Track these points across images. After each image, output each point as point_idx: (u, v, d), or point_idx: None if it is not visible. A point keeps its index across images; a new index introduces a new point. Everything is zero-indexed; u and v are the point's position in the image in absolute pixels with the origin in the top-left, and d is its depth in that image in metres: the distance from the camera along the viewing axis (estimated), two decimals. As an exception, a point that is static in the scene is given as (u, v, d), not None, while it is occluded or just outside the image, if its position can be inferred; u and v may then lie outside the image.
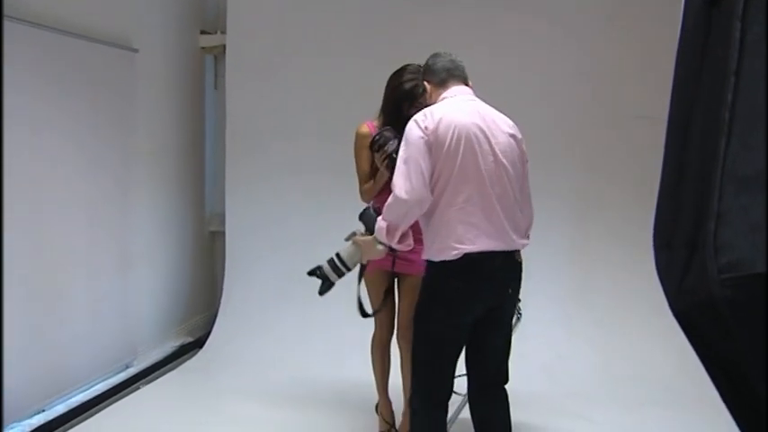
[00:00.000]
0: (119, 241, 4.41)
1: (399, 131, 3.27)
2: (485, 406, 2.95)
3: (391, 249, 2.78)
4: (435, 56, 2.93)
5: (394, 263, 3.22)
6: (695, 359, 3.67)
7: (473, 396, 2.97)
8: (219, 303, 5.31)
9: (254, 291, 5.17)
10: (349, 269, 2.86)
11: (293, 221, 5.17)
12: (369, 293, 3.55)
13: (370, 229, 2.80)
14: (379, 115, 3.50)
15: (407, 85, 3.30)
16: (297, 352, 4.80)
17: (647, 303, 4.63)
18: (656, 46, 4.66)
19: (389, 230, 2.66)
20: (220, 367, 4.71)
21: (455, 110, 2.72)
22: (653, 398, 4.22)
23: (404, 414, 3.59)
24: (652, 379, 4.37)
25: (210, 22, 5.51)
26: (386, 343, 3.62)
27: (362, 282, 3.07)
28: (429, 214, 2.68)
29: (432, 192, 2.64)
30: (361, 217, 2.88)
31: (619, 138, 4.79)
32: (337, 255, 2.86)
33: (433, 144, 2.63)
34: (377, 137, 3.30)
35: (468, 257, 2.63)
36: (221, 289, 5.37)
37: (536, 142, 4.79)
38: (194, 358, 4.89)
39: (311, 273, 2.89)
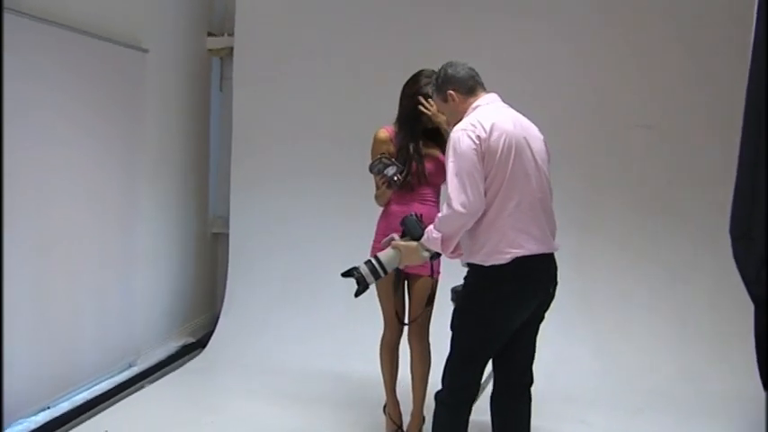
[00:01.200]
0: (123, 240, 4.43)
1: (415, 139, 3.44)
2: (510, 407, 2.97)
3: (432, 256, 2.84)
4: (452, 65, 2.95)
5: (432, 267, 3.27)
6: (695, 366, 3.73)
7: (499, 396, 2.98)
8: (222, 304, 5.33)
9: (256, 292, 5.19)
10: (386, 273, 2.89)
11: (297, 224, 5.20)
12: (378, 294, 3.58)
13: (411, 235, 2.87)
14: (395, 123, 3.55)
15: (425, 89, 3.36)
16: (299, 353, 4.82)
17: (647, 311, 4.71)
18: (655, 55, 4.77)
19: (444, 242, 2.72)
20: (223, 368, 4.73)
21: (500, 117, 2.78)
22: (652, 404, 4.25)
23: (412, 415, 3.62)
24: (652, 385, 4.40)
25: (217, 24, 5.55)
26: (395, 343, 3.65)
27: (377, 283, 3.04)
28: (478, 220, 2.72)
29: None
30: (403, 222, 2.92)
31: (618, 147, 4.83)
32: (376, 258, 2.88)
33: (486, 153, 2.69)
34: (374, 164, 3.45)
35: (518, 261, 2.71)
36: (224, 290, 5.39)
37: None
38: (197, 358, 4.91)
39: (347, 274, 2.88)
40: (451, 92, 2.90)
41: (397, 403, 3.70)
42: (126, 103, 4.34)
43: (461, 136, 2.69)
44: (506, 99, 4.72)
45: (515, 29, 4.88)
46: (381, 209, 3.69)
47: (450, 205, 2.65)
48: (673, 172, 4.74)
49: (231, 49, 5.38)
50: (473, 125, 2.71)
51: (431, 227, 2.75)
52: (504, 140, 2.71)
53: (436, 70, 3.35)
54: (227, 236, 5.44)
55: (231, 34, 5.34)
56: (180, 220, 5.26)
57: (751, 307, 4.57)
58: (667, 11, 4.71)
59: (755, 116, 4.42)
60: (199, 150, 5.50)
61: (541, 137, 2.93)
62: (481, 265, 2.73)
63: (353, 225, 4.95)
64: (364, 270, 2.85)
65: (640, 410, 4.19)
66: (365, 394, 4.16)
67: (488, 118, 2.74)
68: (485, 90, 2.94)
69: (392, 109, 3.66)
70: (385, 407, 3.74)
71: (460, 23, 4.93)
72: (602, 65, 4.81)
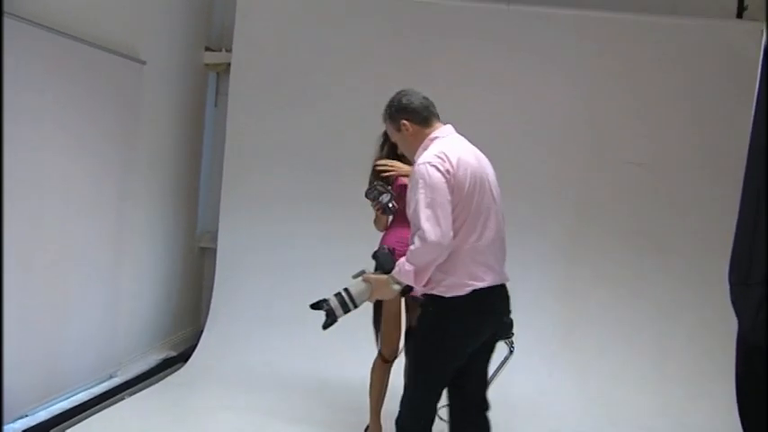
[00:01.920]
0: (110, 251, 4.41)
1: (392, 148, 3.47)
2: None
3: (404, 290, 2.81)
4: (406, 94, 2.95)
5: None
6: (676, 401, 3.76)
7: (457, 424, 2.99)
8: (205, 319, 5.30)
9: (241, 309, 5.17)
10: (356, 306, 2.85)
11: (285, 244, 5.20)
12: (386, 318, 3.61)
13: (383, 269, 2.83)
14: (382, 143, 3.61)
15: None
16: (282, 371, 4.80)
17: (628, 345, 4.75)
18: (647, 93, 4.84)
19: (417, 275, 2.69)
20: (204, 383, 4.69)
21: (463, 152, 2.81)
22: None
23: None
24: (633, 420, 4.42)
25: (215, 39, 5.58)
26: (390, 366, 3.67)
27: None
28: None
29: None
30: (375, 256, 2.90)
31: (608, 182, 4.90)
32: (346, 290, 2.82)
33: (455, 186, 2.70)
34: (370, 190, 3.52)
35: (476, 293, 2.75)
36: (208, 305, 5.36)
37: (527, 183, 4.92)
38: (178, 372, 4.87)
39: (315, 306, 2.83)
40: (405, 122, 2.90)
41: (380, 428, 3.69)
42: (121, 114, 4.34)
43: (430, 168, 2.68)
44: (501, 131, 4.85)
45: (511, 61, 4.96)
46: (380, 234, 3.74)
47: (423, 238, 2.63)
48: (659, 208, 4.80)
49: (228, 64, 5.40)
50: (440, 158, 2.71)
51: (402, 260, 2.72)
52: (470, 175, 2.75)
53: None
54: (214, 251, 5.43)
55: (229, 50, 5.36)
56: (168, 233, 5.25)
57: (732, 345, 4.61)
58: (664, 50, 4.79)
59: (756, 167, 4.47)
60: (191, 164, 5.50)
61: (491, 169, 2.95)
62: (441, 297, 2.75)
63: (344, 250, 4.93)
64: (334, 303, 2.79)
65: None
66: (347, 415, 4.14)
67: (453, 151, 2.76)
68: (440, 121, 2.94)
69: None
70: (366, 429, 3.72)
71: (459, 52, 4.99)
72: (597, 100, 4.90)
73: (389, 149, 3.57)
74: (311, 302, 2.82)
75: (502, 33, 4.96)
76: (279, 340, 5.02)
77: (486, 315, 2.84)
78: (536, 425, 4.37)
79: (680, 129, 4.78)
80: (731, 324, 4.63)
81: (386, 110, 2.98)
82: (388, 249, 2.92)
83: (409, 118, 2.89)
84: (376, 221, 3.76)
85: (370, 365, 3.75)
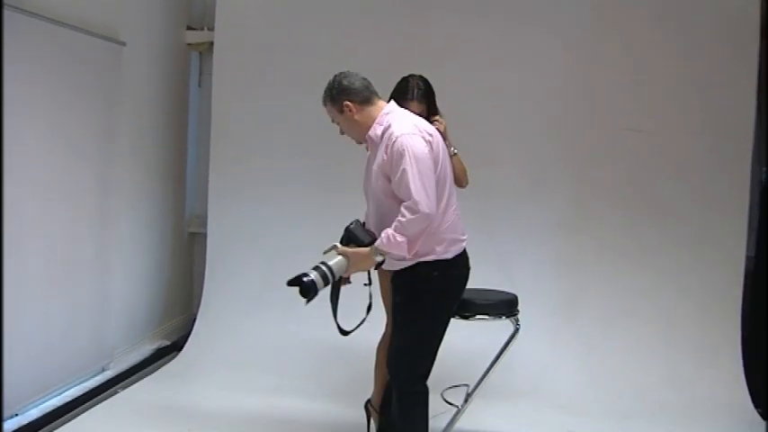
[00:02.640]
0: (96, 240, 4.26)
1: None
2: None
3: (378, 264, 2.86)
4: (347, 75, 3.01)
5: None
6: (683, 373, 3.67)
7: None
8: (198, 307, 5.18)
9: (234, 295, 5.04)
10: (335, 279, 2.86)
11: (276, 227, 5.05)
12: (381, 293, 3.47)
13: (357, 242, 2.86)
14: None
15: (396, 93, 3.40)
16: (278, 357, 4.69)
17: (633, 316, 4.64)
18: (646, 59, 4.70)
19: (410, 245, 2.77)
20: (198, 372, 4.58)
21: (423, 122, 2.99)
22: (640, 411, 4.19)
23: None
24: (639, 392, 4.33)
25: (197, 17, 5.40)
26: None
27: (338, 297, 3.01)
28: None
29: None
30: (349, 230, 2.91)
31: (607, 150, 4.74)
32: (324, 263, 2.83)
33: (435, 156, 2.86)
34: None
35: (464, 249, 3.05)
36: (200, 292, 5.24)
37: (525, 152, 4.81)
38: (173, 362, 4.75)
39: (294, 282, 2.79)
40: (348, 102, 2.96)
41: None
42: (102, 98, 4.17)
43: (413, 140, 2.78)
44: (498, 102, 4.73)
45: (505, 31, 4.79)
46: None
47: (414, 208, 2.72)
48: (661, 175, 4.66)
49: (211, 43, 5.23)
50: (419, 129, 2.86)
51: (389, 231, 2.75)
52: (440, 144, 2.95)
53: (422, 75, 3.45)
54: (204, 236, 5.28)
55: (211, 28, 5.18)
56: (156, 219, 5.10)
57: (738, 311, 4.53)
58: (659, 15, 4.64)
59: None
60: (176, 147, 5.34)
61: None
62: (443, 259, 2.91)
63: (338, 232, 4.83)
64: (315, 276, 2.77)
65: (628, 418, 4.12)
66: (345, 398, 4.04)
67: (422, 123, 2.95)
68: (380, 99, 3.04)
69: None
70: (368, 402, 3.58)
71: (451, 25, 4.82)
72: (592, 67, 4.73)
73: None
74: (288, 280, 2.80)
75: (497, 3, 4.80)
76: (273, 324, 4.90)
77: (468, 268, 3.09)
78: (542, 401, 4.28)
79: (680, 93, 4.63)
80: (737, 290, 4.54)
81: (326, 93, 3.03)
82: (360, 222, 2.96)
83: (351, 99, 2.96)
84: None
85: (367, 346, 3.60)
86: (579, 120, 4.76)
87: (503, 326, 3.45)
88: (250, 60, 5.05)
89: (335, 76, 3.01)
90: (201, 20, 5.37)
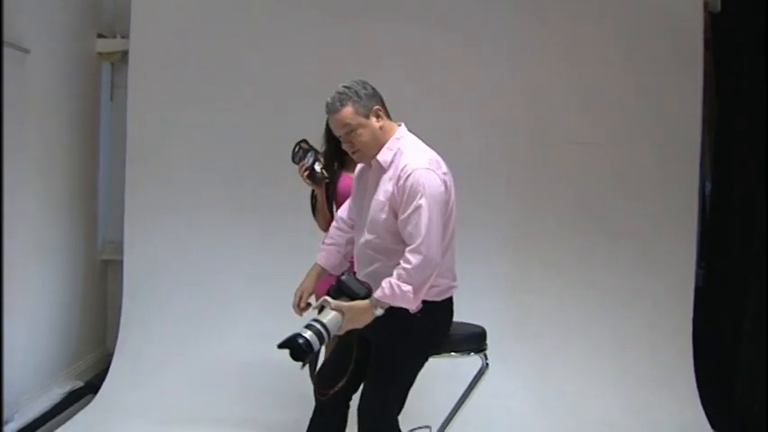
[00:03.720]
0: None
1: (337, 150, 3.20)
2: None
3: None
4: (366, 83, 2.69)
5: None
6: (639, 398, 3.47)
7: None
8: (113, 342, 4.70)
9: (154, 328, 4.57)
10: (330, 338, 2.52)
11: (202, 252, 4.63)
12: None
13: (351, 296, 2.55)
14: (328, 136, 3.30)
15: None
16: (207, 398, 4.26)
17: (585, 341, 4.47)
18: (591, 70, 4.55)
19: (416, 294, 2.51)
20: (119, 418, 4.09)
21: (435, 155, 2.69)
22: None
23: None
24: (597, 421, 4.13)
25: (108, 24, 4.92)
26: None
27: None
28: None
29: None
30: (342, 283, 2.57)
31: (552, 164, 4.57)
32: (319, 321, 2.47)
33: (449, 198, 2.62)
34: (296, 149, 3.30)
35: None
36: (114, 325, 4.76)
37: (470, 171, 4.52)
38: (89, 407, 4.23)
39: (286, 345, 2.43)
40: (379, 108, 2.65)
41: None
42: (4, 111, 3.64)
43: (429, 177, 2.52)
44: (434, 117, 4.43)
45: (446, 44, 4.53)
46: (312, 239, 3.32)
47: (424, 253, 2.47)
48: (609, 190, 4.51)
49: (124, 53, 4.77)
50: (437, 163, 2.61)
51: (393, 281, 2.49)
52: (452, 183, 2.68)
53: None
54: (117, 263, 4.84)
55: (124, 36, 4.73)
56: (63, 246, 4.57)
57: (690, 327, 4.41)
58: (605, 27, 4.50)
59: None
60: (86, 167, 4.83)
61: None
62: (433, 301, 2.65)
63: (269, 258, 4.53)
64: (310, 336, 2.42)
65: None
66: (288, 423, 3.77)
67: (435, 156, 2.66)
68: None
69: (314, 122, 3.31)
70: None
71: (388, 36, 4.53)
72: (537, 80, 4.54)
73: (335, 145, 3.19)
74: (278, 343, 2.43)
75: (433, 11, 4.54)
76: (202, 360, 4.48)
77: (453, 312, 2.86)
78: (492, 428, 4.03)
79: (626, 104, 4.49)
80: (688, 306, 4.41)
81: (349, 94, 2.61)
82: (351, 272, 2.64)
83: (380, 108, 2.65)
84: (316, 215, 3.43)
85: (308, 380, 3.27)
86: (523, 134, 4.56)
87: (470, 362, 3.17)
88: (170, 71, 4.62)
89: (356, 80, 2.66)
90: (113, 27, 4.90)
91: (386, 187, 2.59)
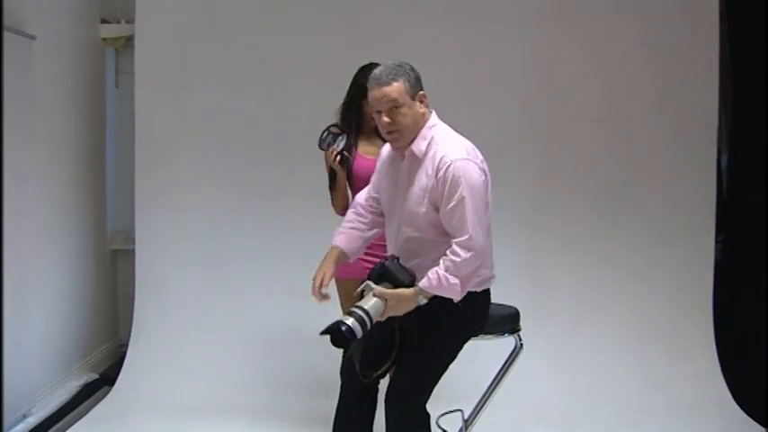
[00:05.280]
0: (5, 265, 3.63)
1: (355, 128, 3.26)
2: None
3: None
4: (414, 67, 2.60)
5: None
6: (659, 373, 3.45)
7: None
8: (125, 332, 4.66)
9: (169, 317, 4.50)
10: (372, 324, 2.47)
11: (213, 239, 4.55)
12: (343, 305, 3.20)
13: (394, 282, 2.50)
14: (339, 110, 3.34)
15: (359, 81, 3.17)
16: (225, 386, 4.21)
17: (603, 317, 4.43)
18: (606, 47, 4.48)
19: (463, 287, 2.46)
20: (138, 409, 4.06)
21: (471, 144, 2.63)
22: (616, 417, 3.97)
23: None
24: (616, 397, 4.11)
25: (111, 9, 4.82)
26: None
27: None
28: None
29: None
30: (385, 269, 2.51)
31: (570, 142, 4.50)
32: (361, 308, 2.43)
33: (487, 186, 2.56)
34: (324, 134, 3.25)
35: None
36: (126, 315, 4.72)
37: (484, 149, 4.46)
38: (106, 399, 4.17)
39: (329, 331, 2.40)
40: (424, 94, 2.57)
41: None
42: (8, 99, 3.55)
43: (469, 167, 2.46)
44: (450, 98, 4.30)
45: (461, 22, 4.45)
46: (327, 224, 3.21)
47: (470, 246, 2.42)
48: (625, 167, 4.46)
49: (128, 38, 4.70)
50: (474, 152, 2.56)
51: (440, 272, 2.43)
52: (488, 168, 2.61)
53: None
54: (127, 252, 4.79)
55: (129, 21, 4.64)
56: (73, 238, 4.50)
57: (710, 304, 4.38)
58: (619, 3, 4.43)
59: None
60: (93, 155, 4.74)
61: None
62: (475, 292, 2.59)
63: (283, 243, 4.46)
64: (353, 323, 2.38)
65: (605, 425, 3.92)
66: (306, 414, 3.79)
67: (471, 145, 2.59)
68: None
69: (325, 105, 3.33)
70: None
71: (397, 17, 4.45)
72: (551, 57, 4.46)
73: (357, 125, 3.21)
74: (321, 330, 2.40)
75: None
76: (217, 348, 4.42)
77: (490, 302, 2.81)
78: (517, 411, 3.98)
79: (642, 80, 4.42)
80: (708, 281, 4.39)
81: (402, 71, 2.51)
82: (395, 258, 2.56)
83: (425, 93, 2.57)
84: (334, 202, 3.37)
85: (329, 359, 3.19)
86: (539, 112, 4.49)
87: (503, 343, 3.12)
88: (176, 56, 4.52)
89: (404, 62, 2.56)
90: (116, 12, 4.80)
91: (422, 180, 2.52)
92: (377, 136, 3.22)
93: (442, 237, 2.50)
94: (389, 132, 2.54)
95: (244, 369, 4.33)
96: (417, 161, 2.54)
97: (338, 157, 3.19)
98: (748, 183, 4.42)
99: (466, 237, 2.41)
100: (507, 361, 3.13)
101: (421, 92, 2.53)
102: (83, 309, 4.59)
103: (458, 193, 2.41)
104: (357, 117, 3.27)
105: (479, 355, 3.35)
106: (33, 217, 3.88)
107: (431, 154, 2.50)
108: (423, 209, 2.51)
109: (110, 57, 4.88)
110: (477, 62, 4.47)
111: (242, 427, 3.84)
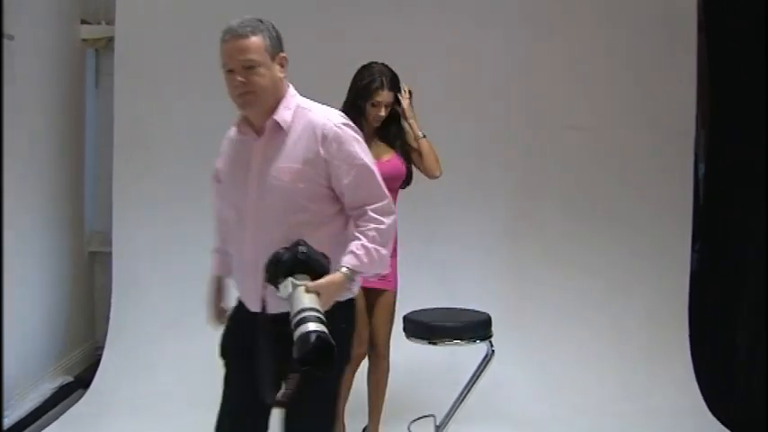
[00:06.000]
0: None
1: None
2: None
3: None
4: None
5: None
6: (638, 385, 3.45)
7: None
8: (101, 334, 4.62)
9: (147, 319, 4.47)
10: None
11: (191, 243, 4.46)
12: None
13: (319, 271, 2.02)
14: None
15: (361, 83, 3.20)
16: (205, 388, 4.14)
17: (581, 326, 4.44)
18: (585, 54, 4.51)
19: (387, 258, 2.16)
20: (113, 412, 4.01)
21: None
22: (593, 426, 3.96)
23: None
24: (595, 409, 4.10)
25: (92, 11, 4.80)
26: (360, 360, 3.35)
27: None
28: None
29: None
30: (310, 261, 2.01)
31: (547, 150, 4.54)
32: (310, 309, 1.91)
33: None
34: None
35: None
36: (103, 318, 4.67)
37: (465, 157, 4.48)
38: (81, 402, 4.15)
39: (310, 352, 1.84)
40: (285, 57, 2.18)
41: (343, 426, 3.40)
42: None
43: (355, 130, 2.18)
44: (429, 101, 4.33)
45: (441, 27, 4.48)
46: None
47: (392, 211, 2.17)
48: (604, 175, 4.50)
49: (109, 39, 4.68)
50: (347, 118, 2.24)
51: (367, 244, 2.06)
52: None
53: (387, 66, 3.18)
54: (106, 254, 4.72)
55: (109, 22, 4.63)
56: (50, 238, 4.46)
57: (686, 313, 4.41)
58: (598, 10, 4.46)
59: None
60: (72, 156, 4.71)
61: None
62: (349, 298, 2.21)
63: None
64: (318, 326, 1.87)
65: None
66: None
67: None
68: None
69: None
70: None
71: (383, 20, 4.46)
72: (532, 64, 4.50)
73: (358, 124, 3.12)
74: (299, 360, 1.85)
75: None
76: (195, 350, 4.35)
77: None
78: (495, 422, 3.99)
79: (620, 88, 4.46)
80: (684, 291, 4.42)
81: (265, 27, 2.15)
82: (303, 242, 2.05)
83: (286, 57, 2.19)
84: None
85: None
86: (519, 119, 4.52)
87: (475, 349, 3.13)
88: (156, 57, 4.51)
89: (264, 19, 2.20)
90: (97, 13, 4.79)
91: (296, 153, 2.12)
92: (378, 138, 3.23)
93: (326, 213, 2.16)
94: (242, 95, 2.11)
95: (220, 372, 4.30)
96: (282, 134, 2.14)
97: None
98: (725, 192, 4.46)
99: (385, 201, 2.15)
100: (479, 367, 3.11)
101: (282, 54, 2.17)
102: (59, 310, 4.56)
103: (357, 160, 2.12)
104: (359, 120, 3.08)
105: (454, 362, 3.36)
106: (10, 218, 3.85)
107: (303, 123, 2.15)
108: (301, 184, 2.11)
109: (90, 58, 4.86)
110: (459, 70, 4.49)
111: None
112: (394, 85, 3.19)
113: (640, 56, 4.45)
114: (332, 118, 2.16)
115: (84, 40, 4.72)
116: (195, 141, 4.48)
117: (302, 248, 2.02)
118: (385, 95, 3.13)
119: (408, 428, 3.04)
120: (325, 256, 2.05)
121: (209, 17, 4.41)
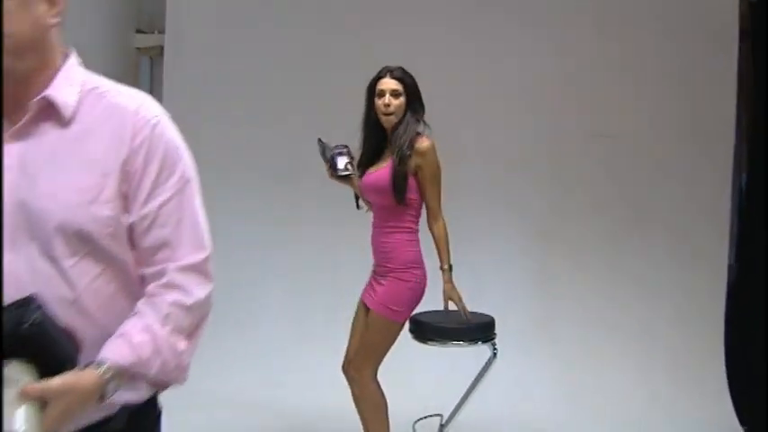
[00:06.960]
0: None
1: (372, 133, 3.12)
2: None
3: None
4: None
5: None
6: (665, 391, 3.42)
7: None
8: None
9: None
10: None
11: (230, 233, 4.64)
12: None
13: (60, 358, 1.20)
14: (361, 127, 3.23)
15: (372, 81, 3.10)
16: (232, 382, 4.32)
17: (611, 333, 4.42)
18: (626, 61, 4.48)
19: (192, 351, 1.40)
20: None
21: None
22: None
23: None
24: (621, 417, 4.09)
25: (147, 20, 5.06)
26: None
27: None
28: None
29: None
30: (31, 338, 1.14)
31: (581, 158, 4.53)
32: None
33: None
34: (326, 148, 3.18)
35: None
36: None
37: (494, 164, 4.52)
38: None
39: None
40: None
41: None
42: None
43: (176, 133, 1.48)
44: (462, 106, 4.43)
45: (479, 30, 4.51)
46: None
47: (209, 274, 1.44)
48: (640, 182, 4.47)
49: (162, 47, 4.89)
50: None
51: (154, 327, 1.32)
52: None
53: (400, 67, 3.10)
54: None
55: (162, 31, 4.84)
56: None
57: (721, 322, 4.34)
58: (638, 18, 4.44)
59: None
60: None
61: None
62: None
63: (298, 235, 4.57)
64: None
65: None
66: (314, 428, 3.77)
67: None
68: None
69: (352, 114, 3.24)
70: None
71: (425, 21, 4.53)
72: (570, 70, 4.50)
73: (375, 139, 3.15)
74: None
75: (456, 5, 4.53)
76: (226, 344, 4.45)
77: None
78: (520, 426, 4.03)
79: (658, 94, 4.43)
80: (720, 301, 4.36)
81: None
82: (37, 304, 1.21)
83: None
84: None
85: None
86: (555, 125, 4.53)
87: (479, 352, 3.18)
88: (206, 65, 4.69)
89: None
90: (151, 22, 5.03)
91: (92, 153, 1.32)
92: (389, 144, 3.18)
93: (131, 264, 1.37)
94: None
95: (254, 365, 4.42)
96: (62, 123, 1.33)
97: (329, 170, 3.13)
98: (766, 203, 4.35)
99: (202, 255, 1.38)
100: (483, 369, 3.16)
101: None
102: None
103: (177, 174, 1.39)
104: (377, 127, 3.10)
105: (457, 364, 3.39)
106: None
107: (101, 108, 1.36)
108: (106, 210, 1.31)
109: (144, 65, 5.12)
110: (490, 77, 4.52)
111: (247, 423, 3.93)
112: (401, 77, 3.03)
113: (680, 62, 4.40)
114: (148, 105, 1.45)
115: (138, 48, 4.98)
116: (243, 145, 4.65)
117: (37, 319, 1.18)
118: (386, 82, 2.99)
119: (413, 427, 3.11)
120: (70, 334, 1.24)
121: (257, 25, 4.65)
